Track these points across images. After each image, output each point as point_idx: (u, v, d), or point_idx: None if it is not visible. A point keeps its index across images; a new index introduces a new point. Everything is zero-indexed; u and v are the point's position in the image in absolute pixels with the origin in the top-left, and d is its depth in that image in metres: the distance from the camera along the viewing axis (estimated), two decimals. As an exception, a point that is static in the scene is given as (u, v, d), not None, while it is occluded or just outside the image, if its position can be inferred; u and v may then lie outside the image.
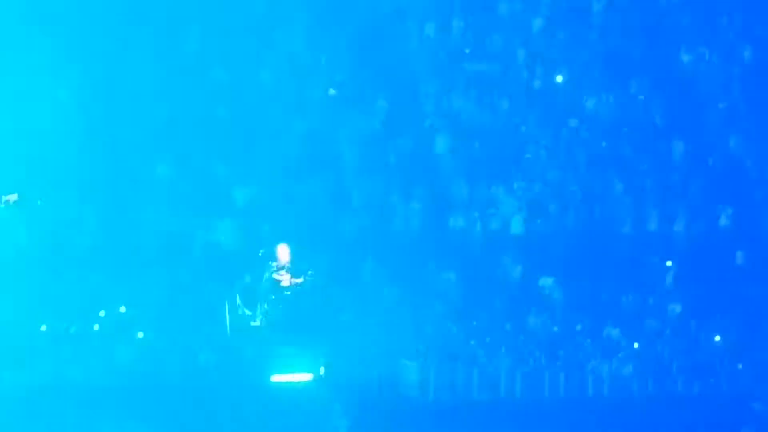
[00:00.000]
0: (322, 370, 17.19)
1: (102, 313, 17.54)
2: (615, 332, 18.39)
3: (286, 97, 21.52)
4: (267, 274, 17.41)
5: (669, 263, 20.03)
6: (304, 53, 22.48)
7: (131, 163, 20.23)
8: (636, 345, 18.14)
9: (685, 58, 23.28)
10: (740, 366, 18.48)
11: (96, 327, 17.47)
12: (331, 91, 21.76)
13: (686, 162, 21.82)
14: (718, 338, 18.63)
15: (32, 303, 17.82)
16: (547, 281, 19.37)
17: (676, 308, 18.92)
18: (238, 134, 20.87)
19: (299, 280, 17.50)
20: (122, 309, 17.66)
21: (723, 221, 20.88)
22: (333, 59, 22.22)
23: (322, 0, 23.13)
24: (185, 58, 22.05)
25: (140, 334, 17.48)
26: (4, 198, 19.68)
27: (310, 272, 17.58)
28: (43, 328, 17.55)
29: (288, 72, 22.00)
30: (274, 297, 17.27)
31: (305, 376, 17.18)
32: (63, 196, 19.73)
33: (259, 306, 17.36)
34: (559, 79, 23.28)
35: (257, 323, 17.30)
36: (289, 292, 17.33)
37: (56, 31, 22.24)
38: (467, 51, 23.28)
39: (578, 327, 18.44)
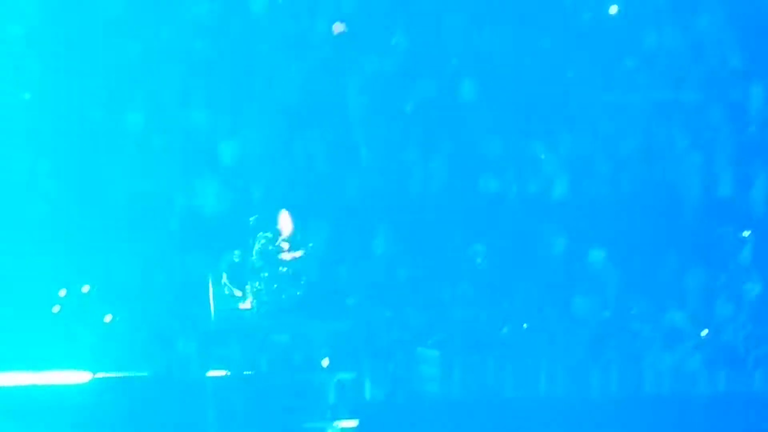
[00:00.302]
0: (325, 362, 15.80)
1: (62, 293, 16.32)
2: (679, 317, 16.62)
3: (282, 30, 19.84)
4: (259, 247, 15.90)
5: (746, 233, 18.07)
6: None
7: (96, 111, 18.59)
8: (704, 333, 16.48)
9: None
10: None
11: (55, 309, 16.26)
12: (338, 26, 19.75)
13: (766, 113, 19.36)
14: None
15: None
16: (597, 255, 17.58)
17: (755, 288, 17.05)
18: (223, 76, 19.21)
19: (297, 254, 15.94)
20: (85, 288, 16.45)
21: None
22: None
23: None
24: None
25: (107, 318, 16.17)
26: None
27: (310, 244, 16.22)
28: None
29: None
30: (267, 274, 15.80)
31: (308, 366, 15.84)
32: (12, 153, 18.48)
33: (249, 285, 15.95)
34: (614, 9, 21.25)
35: (247, 306, 15.88)
36: (285, 269, 15.84)
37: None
38: None
39: (634, 311, 16.79)
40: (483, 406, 16.26)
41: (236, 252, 16.22)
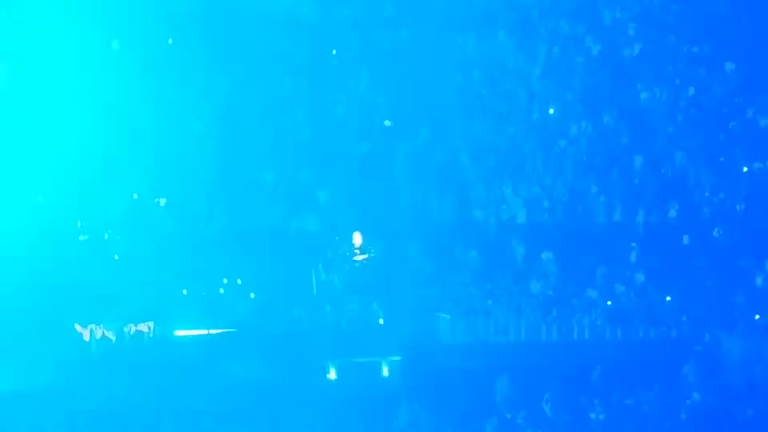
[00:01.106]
0: (381, 321, 19.92)
1: (225, 281, 20.24)
2: (593, 293, 20.57)
3: (358, 126, 23.27)
4: (341, 252, 20.27)
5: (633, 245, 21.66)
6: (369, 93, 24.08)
7: (242, 169, 22.15)
8: (609, 303, 20.28)
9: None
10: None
11: (221, 291, 20.13)
12: (387, 122, 23.43)
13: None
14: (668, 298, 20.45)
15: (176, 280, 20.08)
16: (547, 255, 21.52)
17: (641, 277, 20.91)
18: (320, 153, 22.71)
19: (364, 257, 20.32)
20: (239, 281, 20.29)
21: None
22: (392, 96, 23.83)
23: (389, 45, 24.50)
24: (289, 91, 23.57)
25: (252, 295, 20.23)
26: (156, 200, 21.60)
27: (372, 251, 20.34)
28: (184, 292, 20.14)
29: (357, 109, 23.63)
30: (347, 268, 20.18)
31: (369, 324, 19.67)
32: (189, 196, 21.62)
33: (335, 273, 20.26)
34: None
35: (335, 285, 20.09)
36: (356, 265, 20.17)
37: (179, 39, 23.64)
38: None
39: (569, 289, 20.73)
40: (475, 348, 19.83)
41: (329, 254, 20.27)
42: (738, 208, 22.68)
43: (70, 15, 22.62)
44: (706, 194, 23.17)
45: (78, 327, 19.45)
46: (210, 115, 23.02)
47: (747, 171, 23.46)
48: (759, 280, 20.89)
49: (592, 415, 17.34)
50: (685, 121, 24.36)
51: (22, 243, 20.25)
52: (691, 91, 24.71)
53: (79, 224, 21.55)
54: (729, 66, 24.85)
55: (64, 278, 19.92)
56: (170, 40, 24.11)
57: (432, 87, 24.34)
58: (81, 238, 21.28)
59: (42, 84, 22.19)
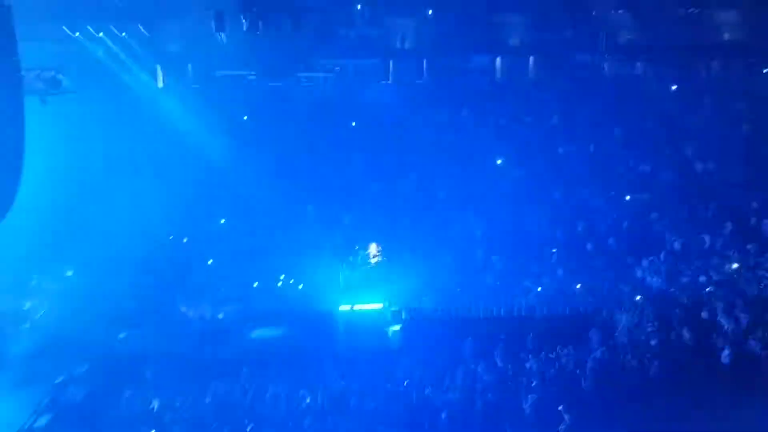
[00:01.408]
0: (385, 304, 19.68)
1: (282, 276, 20.87)
2: (528, 282, 20.48)
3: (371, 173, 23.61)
4: (361, 256, 20.68)
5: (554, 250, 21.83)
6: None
7: (292, 202, 22.40)
8: (539, 289, 20.23)
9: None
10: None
11: (279, 284, 20.64)
12: None
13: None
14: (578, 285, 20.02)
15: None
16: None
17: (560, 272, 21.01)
18: (345, 191, 23.21)
19: (378, 259, 20.90)
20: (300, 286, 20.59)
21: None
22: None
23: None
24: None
25: (300, 286, 20.49)
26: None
27: (385, 258, 20.90)
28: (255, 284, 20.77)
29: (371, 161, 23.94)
30: (366, 267, 20.63)
31: (378, 305, 19.58)
32: (259, 221, 22.09)
33: (357, 271, 20.47)
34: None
35: (355, 279, 20.21)
36: (372, 265, 20.66)
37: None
38: None
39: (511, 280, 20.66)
40: (456, 319, 19.12)
41: (351, 258, 20.49)
42: (624, 224, 22.73)
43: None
44: (603, 215, 23.19)
45: (182, 307, 19.56)
46: (271, 167, 22.99)
47: (630, 199, 23.61)
48: (638, 273, 20.84)
49: (527, 365, 16.97)
50: (587, 167, 24.35)
51: (145, 248, 20.77)
52: (592, 147, 24.79)
53: (185, 240, 22.10)
54: (617, 131, 24.98)
55: (175, 273, 20.40)
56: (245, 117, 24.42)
57: (418, 146, 24.43)
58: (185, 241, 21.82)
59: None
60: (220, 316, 19.37)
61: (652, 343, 17.70)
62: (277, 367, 16.88)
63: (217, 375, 16.60)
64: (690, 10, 22.54)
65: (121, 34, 21.15)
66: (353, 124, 24.87)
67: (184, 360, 17.14)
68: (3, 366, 17.24)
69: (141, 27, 21.23)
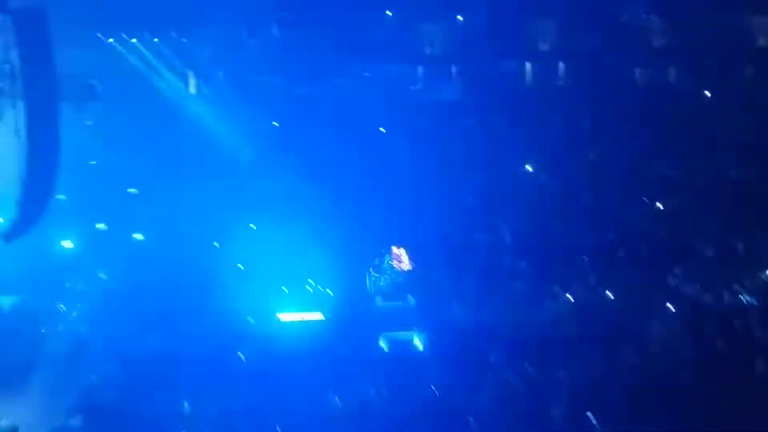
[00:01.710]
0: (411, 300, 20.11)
1: (312, 281, 20.84)
2: (557, 289, 20.19)
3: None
4: (389, 261, 20.63)
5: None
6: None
7: (324, 210, 21.94)
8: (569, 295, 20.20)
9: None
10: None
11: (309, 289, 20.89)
12: None
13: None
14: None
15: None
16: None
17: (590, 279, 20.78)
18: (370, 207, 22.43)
19: (406, 265, 20.72)
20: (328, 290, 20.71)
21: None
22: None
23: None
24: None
25: (329, 291, 20.39)
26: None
27: (413, 263, 20.71)
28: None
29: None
30: (393, 272, 20.63)
31: (406, 311, 19.62)
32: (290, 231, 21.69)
33: (382, 275, 20.56)
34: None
35: (381, 283, 20.52)
36: (400, 270, 20.55)
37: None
38: None
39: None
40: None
41: (377, 261, 20.47)
42: (656, 232, 22.33)
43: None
44: (635, 222, 22.80)
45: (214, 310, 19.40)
46: (301, 172, 22.62)
47: (662, 206, 23.09)
48: (671, 281, 20.49)
49: (557, 373, 16.70)
50: (619, 173, 23.81)
51: (178, 251, 20.94)
52: (623, 153, 23.94)
53: (216, 244, 22.10)
54: (649, 137, 24.16)
55: (206, 276, 20.33)
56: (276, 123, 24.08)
57: (447, 152, 24.06)
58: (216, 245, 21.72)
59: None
60: (251, 319, 19.40)
61: (685, 353, 17.48)
62: (306, 371, 16.86)
63: (247, 378, 16.68)
64: (722, 15, 22.29)
65: (153, 40, 21.42)
66: (382, 129, 24.64)
67: (215, 363, 17.24)
68: (37, 367, 17.38)
69: (173, 33, 21.47)
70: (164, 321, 19.02)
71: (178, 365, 17.04)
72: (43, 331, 18.89)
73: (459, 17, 23.09)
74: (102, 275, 21.47)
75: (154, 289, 20.10)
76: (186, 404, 15.96)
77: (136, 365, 17.23)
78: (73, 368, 17.26)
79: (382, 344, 18.67)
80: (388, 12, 22.56)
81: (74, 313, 20.08)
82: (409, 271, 20.07)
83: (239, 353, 17.93)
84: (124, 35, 21.05)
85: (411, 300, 19.58)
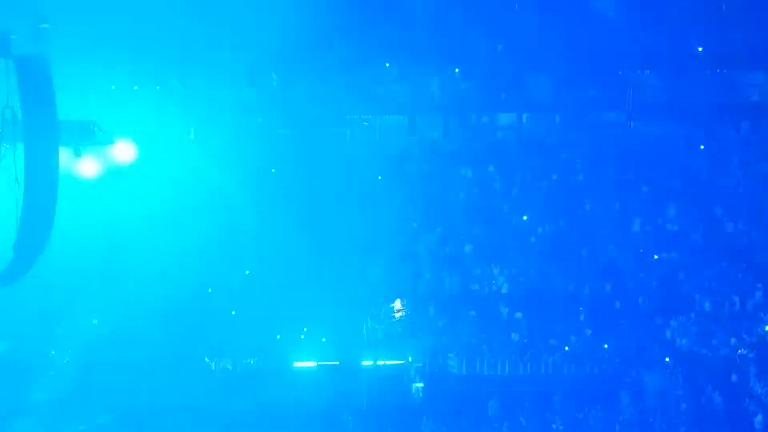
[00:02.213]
0: (410, 359, 19.68)
1: (305, 329, 20.72)
2: (554, 341, 20.19)
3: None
4: (385, 310, 20.11)
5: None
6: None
7: (319, 258, 21.92)
8: (566, 348, 20.01)
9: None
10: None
11: (302, 336, 20.71)
12: None
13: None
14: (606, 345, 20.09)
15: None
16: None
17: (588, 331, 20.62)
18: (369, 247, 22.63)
19: (402, 314, 20.40)
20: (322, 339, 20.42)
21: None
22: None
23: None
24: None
25: (323, 339, 20.15)
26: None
27: (409, 313, 20.40)
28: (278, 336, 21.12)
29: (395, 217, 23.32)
30: (389, 321, 20.01)
31: (401, 361, 19.37)
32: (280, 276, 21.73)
33: (380, 325, 19.91)
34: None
35: (379, 334, 19.82)
36: (394, 320, 20.06)
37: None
38: None
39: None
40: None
41: (375, 310, 19.80)
42: (653, 284, 22.30)
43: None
44: (631, 275, 22.75)
45: (206, 359, 19.23)
46: (297, 219, 22.59)
47: (658, 259, 23.09)
48: (668, 334, 20.45)
49: (554, 426, 16.82)
50: (615, 225, 23.91)
51: (171, 298, 20.41)
52: (619, 206, 24.35)
53: (209, 290, 21.85)
54: (644, 188, 24.65)
55: (199, 324, 20.11)
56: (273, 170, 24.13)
57: (443, 202, 24.24)
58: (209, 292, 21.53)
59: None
60: (243, 368, 19.26)
61: (682, 406, 17.30)
62: (298, 423, 16.71)
63: (238, 429, 16.23)
64: (718, 71, 22.61)
65: (155, 87, 21.55)
66: (379, 178, 24.71)
67: (206, 412, 17.15)
68: (27, 413, 17.23)
69: (174, 81, 21.66)
70: (155, 369, 18.89)
71: (168, 415, 17.05)
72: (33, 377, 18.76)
73: (456, 69, 23.40)
74: (95, 321, 21.18)
75: (144, 336, 19.90)
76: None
77: (128, 415, 17.19)
78: (63, 416, 17.15)
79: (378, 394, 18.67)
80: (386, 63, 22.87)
81: (66, 360, 19.94)
82: (406, 320, 19.77)
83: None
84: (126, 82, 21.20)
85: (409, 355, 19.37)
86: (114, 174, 20.59)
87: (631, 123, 23.60)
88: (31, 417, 17.04)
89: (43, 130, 10.00)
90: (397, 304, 20.05)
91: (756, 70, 22.76)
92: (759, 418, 16.53)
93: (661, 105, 23.12)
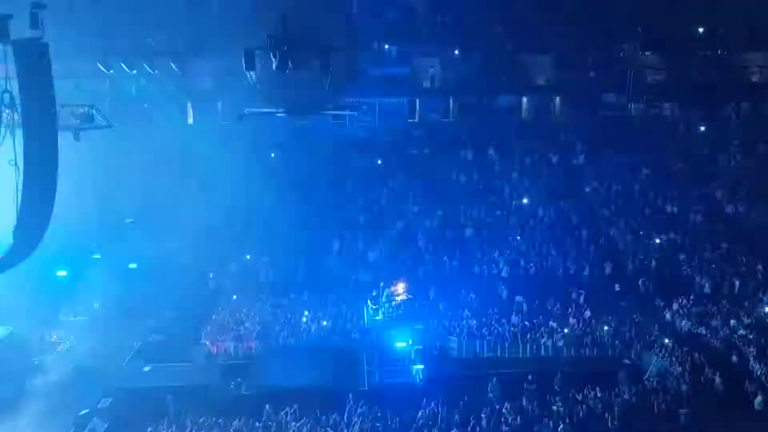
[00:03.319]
0: (410, 341, 18.93)
1: (306, 312, 20.31)
2: (554, 324, 19.85)
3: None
4: (386, 293, 19.71)
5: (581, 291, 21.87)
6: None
7: (320, 241, 22.40)
8: (565, 330, 19.63)
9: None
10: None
11: (304, 319, 20.13)
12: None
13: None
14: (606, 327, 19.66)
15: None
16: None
17: (587, 313, 20.39)
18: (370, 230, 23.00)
19: (403, 297, 19.86)
20: (324, 323, 19.87)
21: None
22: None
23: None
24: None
25: (324, 323, 19.85)
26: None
27: (410, 296, 19.94)
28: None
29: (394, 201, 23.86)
30: (390, 305, 19.63)
31: (402, 344, 18.73)
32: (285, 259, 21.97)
33: (381, 308, 19.59)
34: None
35: (379, 317, 19.58)
36: (395, 303, 19.64)
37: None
38: None
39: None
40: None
41: (374, 293, 19.65)
42: (652, 266, 22.38)
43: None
44: (631, 256, 22.86)
45: (206, 342, 19.27)
46: (298, 203, 23.02)
47: (658, 241, 23.18)
48: (668, 315, 20.50)
49: (554, 407, 16.52)
50: (617, 208, 24.05)
51: (171, 282, 20.86)
52: (619, 187, 24.41)
53: (210, 275, 21.99)
54: (645, 170, 24.71)
55: (200, 308, 20.26)
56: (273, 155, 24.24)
57: (444, 185, 24.37)
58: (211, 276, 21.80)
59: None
60: (244, 351, 19.11)
61: (682, 387, 17.38)
62: (299, 405, 16.49)
63: (239, 411, 16.28)
64: (719, 52, 22.59)
65: (153, 71, 21.57)
66: (379, 162, 24.68)
67: (207, 395, 16.95)
68: (28, 397, 17.22)
69: (173, 65, 21.56)
70: (156, 353, 18.93)
71: (169, 397, 16.71)
72: (35, 361, 18.69)
73: (456, 51, 23.28)
74: (96, 305, 21.38)
75: (145, 320, 20.05)
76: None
77: (128, 397, 17.02)
78: (65, 399, 17.04)
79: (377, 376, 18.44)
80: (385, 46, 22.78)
81: (67, 343, 19.94)
82: (406, 302, 19.38)
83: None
84: (124, 66, 21.17)
85: (407, 336, 18.94)
86: (113, 157, 21.52)
87: (631, 105, 23.73)
88: (34, 401, 16.97)
89: (41, 114, 9.96)
90: (398, 287, 19.70)
91: (755, 51, 22.68)
92: (758, 398, 16.49)
93: (661, 86, 23.18)
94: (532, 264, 22.54)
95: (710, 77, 22.72)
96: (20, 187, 9.88)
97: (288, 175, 23.41)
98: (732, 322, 19.63)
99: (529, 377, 17.52)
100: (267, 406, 16.42)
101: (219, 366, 18.30)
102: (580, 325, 20.08)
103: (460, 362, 19.18)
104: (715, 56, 22.68)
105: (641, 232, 23.34)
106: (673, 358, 18.05)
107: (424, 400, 16.86)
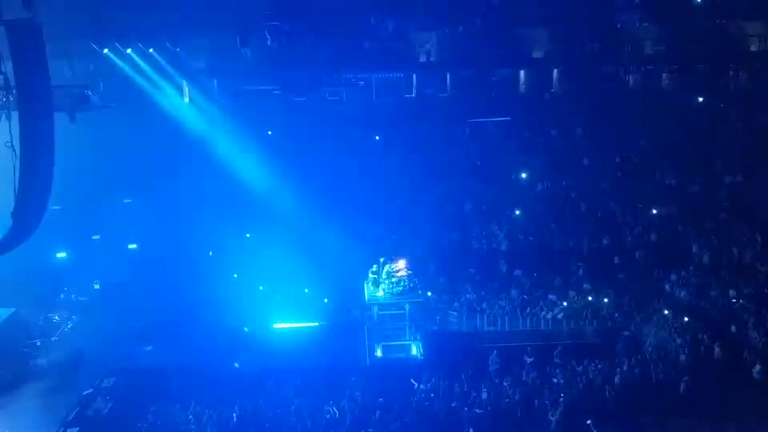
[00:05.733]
0: (407, 307, 18.63)
1: (306, 290, 20.62)
2: (554, 297, 19.96)
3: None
4: (385, 269, 19.19)
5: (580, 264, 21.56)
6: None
7: (319, 218, 22.00)
8: (565, 303, 19.72)
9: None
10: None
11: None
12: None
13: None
14: (605, 300, 19.84)
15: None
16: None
17: (587, 286, 20.46)
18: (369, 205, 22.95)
19: (403, 273, 19.15)
20: (325, 300, 20.24)
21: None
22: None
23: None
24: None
25: (325, 300, 20.34)
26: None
27: (410, 271, 19.24)
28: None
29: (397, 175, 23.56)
30: (390, 280, 19.03)
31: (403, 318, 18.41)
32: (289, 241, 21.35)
33: (380, 285, 19.08)
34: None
35: (380, 293, 19.02)
36: (395, 279, 19.02)
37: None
38: None
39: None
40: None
41: (374, 267, 19.10)
42: (651, 238, 22.43)
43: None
44: (629, 229, 22.87)
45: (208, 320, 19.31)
46: (296, 181, 22.79)
47: (656, 213, 23.20)
48: (667, 287, 20.58)
49: (554, 380, 16.77)
50: (616, 180, 24.07)
51: (172, 261, 20.96)
52: (618, 159, 24.39)
53: (210, 253, 22.16)
54: (643, 142, 24.64)
55: (201, 287, 20.24)
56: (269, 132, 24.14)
57: (442, 160, 24.27)
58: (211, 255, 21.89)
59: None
60: (246, 329, 19.19)
61: (681, 358, 17.50)
62: (301, 380, 16.72)
63: (242, 388, 16.46)
64: (717, 21, 22.46)
65: (148, 50, 21.44)
66: (377, 138, 24.61)
67: (210, 373, 17.03)
68: (32, 378, 17.34)
69: (168, 43, 21.50)
70: (157, 332, 18.98)
71: (172, 376, 16.94)
72: (37, 342, 18.71)
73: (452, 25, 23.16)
74: (96, 285, 21.46)
75: (146, 299, 20.02)
76: (180, 416, 15.72)
77: (131, 376, 17.14)
78: (68, 380, 17.19)
79: (379, 351, 18.44)
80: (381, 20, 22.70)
81: (69, 324, 20.01)
82: (406, 278, 19.09)
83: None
84: (118, 45, 21.09)
85: (407, 308, 18.85)
86: (111, 136, 21.49)
87: (629, 76, 23.61)
88: (37, 382, 17.13)
89: (36, 95, 9.95)
90: (398, 263, 19.43)
91: (754, 20, 22.54)
92: (757, 367, 16.71)
93: (659, 57, 23.04)
94: (531, 237, 22.53)
95: (709, 47, 22.51)
96: (17, 169, 9.97)
97: (285, 152, 23.39)
98: (731, 291, 19.70)
99: (529, 350, 17.58)
100: (269, 382, 16.57)
101: (221, 344, 18.18)
102: (580, 297, 19.97)
103: (461, 336, 19.15)
104: (713, 25, 22.46)
105: (639, 205, 23.34)
106: (673, 329, 18.16)
107: (423, 374, 16.94)
